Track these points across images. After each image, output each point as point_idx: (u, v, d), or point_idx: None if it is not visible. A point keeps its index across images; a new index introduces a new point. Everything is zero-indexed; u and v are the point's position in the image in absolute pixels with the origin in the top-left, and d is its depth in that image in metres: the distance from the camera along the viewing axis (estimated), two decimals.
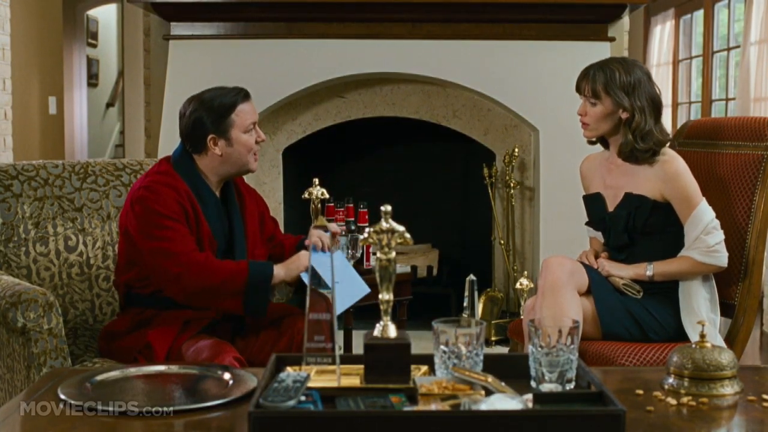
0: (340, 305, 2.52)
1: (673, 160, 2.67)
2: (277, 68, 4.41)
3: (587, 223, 2.89)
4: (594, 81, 2.68)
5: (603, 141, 2.81)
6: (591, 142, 2.83)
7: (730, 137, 2.84)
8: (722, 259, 2.65)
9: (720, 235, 2.65)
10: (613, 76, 2.66)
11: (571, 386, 1.74)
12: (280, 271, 2.54)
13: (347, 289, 2.58)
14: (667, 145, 2.73)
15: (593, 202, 2.83)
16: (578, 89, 2.74)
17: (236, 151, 2.59)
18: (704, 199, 2.66)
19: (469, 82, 4.46)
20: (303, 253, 2.58)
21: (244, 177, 2.81)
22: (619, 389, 1.82)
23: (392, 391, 1.68)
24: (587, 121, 2.73)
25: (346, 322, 3.62)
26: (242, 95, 2.60)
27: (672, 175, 2.65)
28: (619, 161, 2.75)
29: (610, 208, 2.76)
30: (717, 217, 2.66)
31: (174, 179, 2.57)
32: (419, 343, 2.97)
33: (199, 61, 4.39)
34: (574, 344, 1.74)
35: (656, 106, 2.69)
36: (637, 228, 2.69)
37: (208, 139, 2.57)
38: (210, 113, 2.56)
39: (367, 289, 2.68)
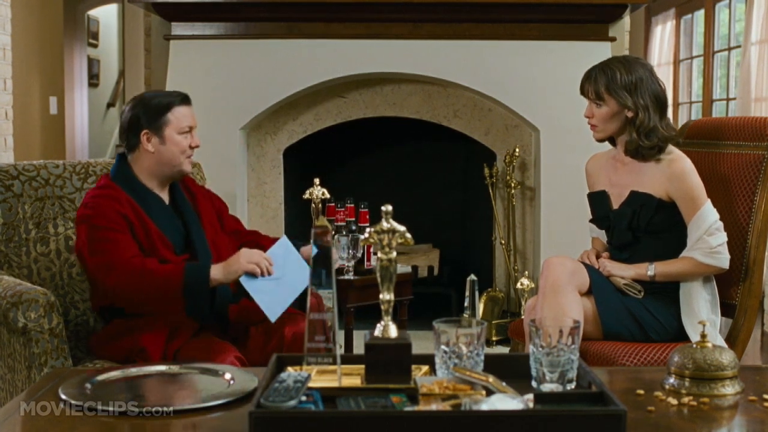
0: (286, 299, 2.53)
1: (680, 160, 2.67)
2: (277, 68, 4.41)
3: (591, 221, 2.89)
4: (596, 83, 2.69)
5: (610, 139, 2.80)
6: (598, 141, 2.82)
7: (731, 137, 2.83)
8: (724, 260, 2.65)
9: (723, 237, 2.64)
10: (614, 77, 2.66)
11: (572, 386, 1.74)
12: (217, 273, 2.50)
13: (292, 281, 2.55)
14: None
15: (597, 200, 2.83)
16: (582, 92, 2.75)
17: (168, 150, 2.61)
18: (709, 200, 2.65)
19: (470, 82, 4.45)
20: (243, 251, 2.53)
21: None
22: (620, 389, 1.82)
23: (393, 391, 1.68)
24: (595, 123, 2.73)
25: (347, 322, 3.61)
26: (180, 98, 2.65)
27: (678, 175, 2.65)
28: (626, 159, 2.75)
29: (615, 206, 2.76)
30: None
31: (114, 190, 2.60)
32: (420, 343, 2.97)
33: (200, 61, 4.39)
34: (575, 344, 1.74)
35: (660, 103, 2.69)
36: (641, 226, 2.69)
37: (142, 134, 2.61)
38: (147, 110, 2.62)
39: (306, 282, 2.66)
